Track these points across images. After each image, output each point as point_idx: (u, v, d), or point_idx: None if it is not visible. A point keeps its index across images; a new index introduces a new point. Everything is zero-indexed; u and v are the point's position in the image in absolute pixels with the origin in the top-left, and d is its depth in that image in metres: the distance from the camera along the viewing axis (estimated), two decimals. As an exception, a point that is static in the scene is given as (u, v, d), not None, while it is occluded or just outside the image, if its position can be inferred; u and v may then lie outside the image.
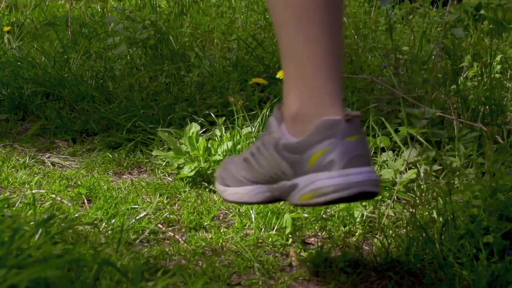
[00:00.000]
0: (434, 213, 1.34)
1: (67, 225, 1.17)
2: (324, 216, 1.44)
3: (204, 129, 1.88)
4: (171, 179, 1.72)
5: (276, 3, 1.08)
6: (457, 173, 1.45)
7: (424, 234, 1.23)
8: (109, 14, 3.29)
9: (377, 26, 2.87)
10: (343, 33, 1.20)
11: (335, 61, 1.06)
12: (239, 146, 1.72)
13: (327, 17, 1.06)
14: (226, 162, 1.23)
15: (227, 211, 1.50)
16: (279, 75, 1.84)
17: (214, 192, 1.61)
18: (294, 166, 1.06)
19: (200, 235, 1.38)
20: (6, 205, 1.26)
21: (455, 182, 1.46)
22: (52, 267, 0.76)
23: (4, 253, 0.78)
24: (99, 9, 3.59)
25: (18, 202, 1.35)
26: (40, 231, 0.96)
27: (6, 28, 3.00)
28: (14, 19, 3.50)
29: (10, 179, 1.59)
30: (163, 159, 1.79)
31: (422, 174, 1.54)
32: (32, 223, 1.20)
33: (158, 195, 1.57)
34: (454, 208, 1.25)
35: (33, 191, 1.47)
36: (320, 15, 1.06)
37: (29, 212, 1.31)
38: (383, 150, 1.75)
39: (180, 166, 1.73)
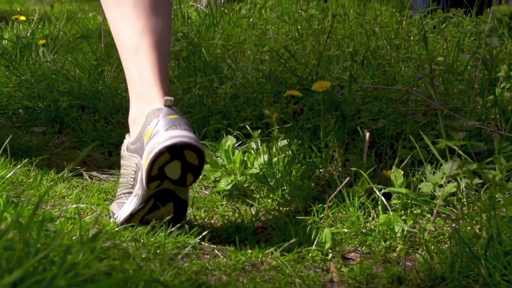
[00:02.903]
0: (476, 228, 1.32)
1: (112, 242, 1.18)
2: (364, 230, 1.43)
3: (239, 142, 1.89)
4: (208, 193, 1.72)
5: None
6: (499, 187, 1.43)
7: (468, 250, 1.21)
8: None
9: (409, 36, 2.85)
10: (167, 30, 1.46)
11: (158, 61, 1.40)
12: (275, 159, 1.72)
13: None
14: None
15: (265, 225, 1.50)
16: (314, 87, 1.84)
17: (252, 205, 1.61)
18: (139, 152, 1.35)
19: (240, 249, 1.37)
20: (49, 220, 1.27)
21: (497, 196, 1.44)
22: (103, 287, 0.77)
23: (55, 273, 0.78)
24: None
25: (60, 217, 1.36)
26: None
27: (41, 42, 3.04)
28: (48, 32, 3.55)
29: (50, 193, 1.60)
30: (200, 172, 1.79)
31: (462, 188, 1.52)
32: (74, 237, 1.21)
33: (195, 209, 1.58)
34: (499, 224, 1.23)
35: (74, 206, 1.48)
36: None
37: (72, 227, 1.32)
38: (420, 163, 1.74)
39: (217, 179, 1.73)
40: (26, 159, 1.79)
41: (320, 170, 1.77)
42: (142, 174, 1.30)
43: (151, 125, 1.31)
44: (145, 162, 1.28)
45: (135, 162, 1.38)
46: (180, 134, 1.27)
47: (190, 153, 1.28)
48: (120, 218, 1.38)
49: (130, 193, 1.40)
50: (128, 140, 1.43)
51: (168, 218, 1.34)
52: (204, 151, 1.29)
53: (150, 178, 1.28)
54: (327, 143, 1.83)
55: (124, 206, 1.39)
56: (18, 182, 1.65)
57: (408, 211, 1.51)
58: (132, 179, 1.39)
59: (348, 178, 1.55)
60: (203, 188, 1.75)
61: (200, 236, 1.40)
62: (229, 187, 1.66)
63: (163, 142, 1.25)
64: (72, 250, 0.90)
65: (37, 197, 1.54)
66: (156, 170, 1.28)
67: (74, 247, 0.88)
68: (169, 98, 1.35)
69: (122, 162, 1.44)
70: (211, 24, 3.18)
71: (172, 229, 1.36)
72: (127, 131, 2.01)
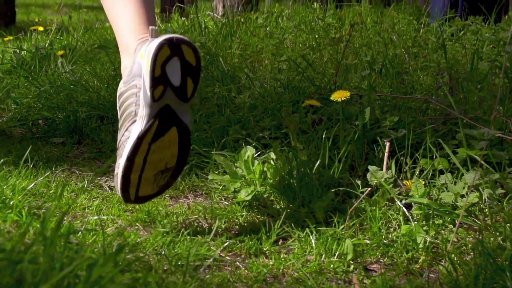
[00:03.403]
0: (500, 239, 1.31)
1: (134, 254, 1.18)
2: (385, 241, 1.42)
3: (258, 152, 1.88)
4: (227, 203, 1.72)
5: None
6: (522, 197, 1.41)
7: (492, 262, 1.20)
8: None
9: (427, 44, 2.84)
10: None
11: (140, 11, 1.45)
12: (294, 169, 1.71)
13: None
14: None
15: (286, 236, 1.49)
16: (333, 97, 1.83)
17: (272, 216, 1.60)
18: (136, 74, 1.35)
19: (261, 261, 1.37)
20: (71, 232, 1.27)
21: (521, 207, 1.42)
22: (128, 301, 0.77)
23: None
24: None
25: (82, 228, 1.36)
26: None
27: (60, 52, 3.06)
28: (66, 43, 3.58)
29: (71, 204, 1.61)
30: (219, 183, 1.79)
31: (485, 198, 1.51)
32: (96, 249, 1.21)
33: (216, 220, 1.57)
34: (523, 235, 1.22)
35: (96, 217, 1.48)
36: None
37: (93, 239, 1.32)
38: (441, 172, 1.72)
39: (236, 190, 1.73)
40: (48, 172, 1.80)
41: (340, 180, 1.76)
42: (145, 81, 1.31)
43: (143, 49, 1.33)
44: (147, 65, 1.29)
45: (135, 84, 1.36)
46: (173, 36, 1.31)
47: (187, 48, 1.32)
48: (127, 150, 1.34)
49: (134, 122, 1.37)
50: (122, 81, 1.44)
51: (172, 164, 1.39)
52: (199, 51, 1.35)
53: (154, 81, 1.29)
54: (346, 152, 1.83)
55: (130, 137, 1.36)
56: (39, 194, 1.66)
57: (430, 222, 1.50)
58: (134, 105, 1.37)
59: (369, 189, 1.54)
60: (223, 199, 1.75)
61: (221, 248, 1.40)
62: (249, 197, 1.65)
63: (160, 39, 1.28)
64: (96, 264, 0.90)
65: (59, 209, 1.55)
66: (159, 69, 1.29)
67: (98, 261, 0.88)
68: (154, 28, 1.36)
69: (121, 99, 1.42)
70: (228, 34, 3.19)
71: (191, 236, 1.36)
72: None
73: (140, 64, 1.33)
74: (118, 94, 1.44)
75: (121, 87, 1.44)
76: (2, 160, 1.81)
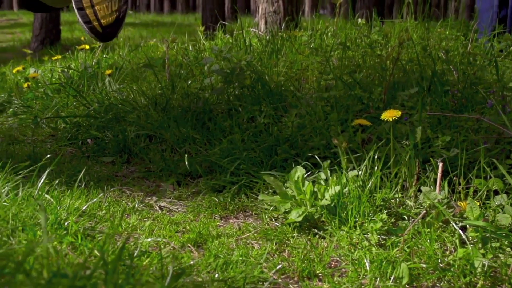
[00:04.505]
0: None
1: (191, 280, 1.18)
2: (442, 265, 1.39)
3: (308, 172, 1.87)
4: (278, 224, 1.71)
5: None
6: None
7: (556, 289, 1.16)
8: (204, 53, 3.35)
9: (476, 60, 2.80)
10: None
11: None
12: (345, 189, 1.70)
13: None
14: None
15: (339, 259, 1.48)
16: (384, 116, 1.81)
17: (324, 238, 1.59)
18: None
19: (314, 284, 1.35)
20: (129, 258, 1.27)
21: None
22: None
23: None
24: (191, 49, 3.67)
25: (136, 251, 1.37)
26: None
27: (108, 71, 3.10)
28: (112, 61, 3.63)
29: (123, 225, 1.62)
30: (269, 204, 1.78)
31: (544, 221, 1.47)
32: (152, 272, 1.21)
33: (266, 241, 1.57)
34: None
35: (149, 239, 1.49)
36: None
37: (148, 261, 1.33)
38: (496, 193, 1.69)
39: (287, 210, 1.72)
40: (100, 193, 1.82)
41: (392, 200, 1.74)
42: None
43: None
44: None
45: None
46: None
47: None
48: None
49: None
50: None
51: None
52: None
53: None
54: (397, 172, 1.80)
55: None
56: (91, 214, 1.67)
57: (488, 245, 1.47)
58: None
59: (424, 212, 1.52)
60: (273, 219, 1.74)
61: (274, 270, 1.39)
62: (300, 218, 1.64)
63: None
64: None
65: (112, 231, 1.56)
66: None
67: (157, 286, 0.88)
68: None
69: None
70: (273, 51, 3.19)
71: (244, 257, 1.35)
72: (196, 161, 2.04)
73: None
74: None
75: None
76: (57, 181, 1.83)
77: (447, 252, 1.48)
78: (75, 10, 1.67)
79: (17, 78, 3.82)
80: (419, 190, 1.78)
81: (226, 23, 5.17)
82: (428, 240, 1.48)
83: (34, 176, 1.71)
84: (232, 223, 1.73)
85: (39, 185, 1.59)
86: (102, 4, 1.67)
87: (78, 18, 1.68)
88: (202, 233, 1.59)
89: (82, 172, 1.77)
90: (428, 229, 1.51)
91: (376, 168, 1.76)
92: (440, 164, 1.72)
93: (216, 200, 1.86)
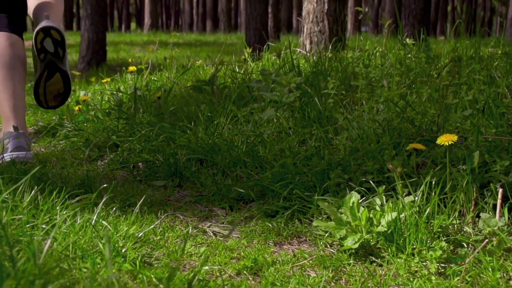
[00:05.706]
0: None
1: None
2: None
3: (362, 197, 1.85)
4: (333, 251, 1.69)
5: None
6: None
7: None
8: (252, 75, 3.36)
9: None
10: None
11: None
12: (401, 215, 1.67)
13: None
14: None
15: (398, 287, 1.45)
16: (440, 141, 1.78)
17: (381, 265, 1.56)
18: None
19: (374, 314, 1.33)
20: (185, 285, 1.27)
21: None
22: None
23: None
24: (237, 70, 3.68)
25: (194, 280, 1.36)
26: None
27: (158, 94, 3.13)
28: (160, 84, 3.66)
29: (178, 251, 1.62)
30: (324, 230, 1.76)
31: None
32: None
33: (323, 269, 1.55)
34: None
35: (206, 267, 1.48)
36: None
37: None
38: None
39: (342, 236, 1.70)
40: (154, 219, 1.83)
41: (449, 227, 1.70)
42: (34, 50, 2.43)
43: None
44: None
45: None
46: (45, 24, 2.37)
47: (54, 32, 2.39)
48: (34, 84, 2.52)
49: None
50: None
51: (62, 91, 2.53)
52: (62, 31, 2.41)
53: (38, 51, 2.39)
54: (454, 198, 1.77)
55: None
56: (146, 240, 1.68)
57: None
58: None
59: (486, 241, 1.48)
60: (328, 246, 1.72)
61: (333, 300, 1.37)
62: (356, 245, 1.62)
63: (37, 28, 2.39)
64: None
65: (168, 257, 1.56)
66: (39, 44, 2.39)
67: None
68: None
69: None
70: (321, 72, 3.18)
71: (300, 285, 1.33)
72: (248, 185, 2.04)
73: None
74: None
75: None
76: (113, 208, 1.85)
77: (511, 282, 1.44)
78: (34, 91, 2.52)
79: (68, 101, 3.88)
80: (477, 216, 1.74)
81: (270, 43, 5.18)
82: (491, 269, 1.44)
83: (90, 204, 1.73)
84: (286, 249, 1.72)
85: (96, 212, 1.60)
86: (50, 96, 2.54)
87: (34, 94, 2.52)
88: (257, 260, 1.58)
89: (132, 195, 1.78)
90: (490, 258, 1.47)
91: (433, 193, 1.73)
92: (500, 190, 1.68)
93: (270, 225, 1.85)
